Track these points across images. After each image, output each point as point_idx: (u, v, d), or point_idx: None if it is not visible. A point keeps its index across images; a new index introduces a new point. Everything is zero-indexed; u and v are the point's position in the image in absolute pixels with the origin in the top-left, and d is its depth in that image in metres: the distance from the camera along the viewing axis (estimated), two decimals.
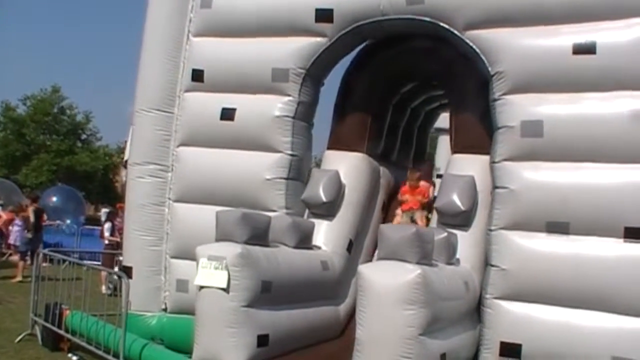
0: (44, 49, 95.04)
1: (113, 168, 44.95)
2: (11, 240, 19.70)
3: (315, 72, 9.31)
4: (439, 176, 14.90)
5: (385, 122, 10.27)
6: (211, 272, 6.80)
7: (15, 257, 18.37)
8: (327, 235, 8.87)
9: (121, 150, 42.32)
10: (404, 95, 10.62)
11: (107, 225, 17.31)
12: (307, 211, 9.20)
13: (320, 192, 8.95)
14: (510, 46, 7.90)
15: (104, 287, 14.30)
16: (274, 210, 8.83)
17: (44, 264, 11.00)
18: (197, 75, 9.61)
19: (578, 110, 7.57)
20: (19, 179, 35.89)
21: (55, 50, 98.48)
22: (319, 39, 9.10)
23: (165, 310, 9.56)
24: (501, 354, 7.54)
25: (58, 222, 23.74)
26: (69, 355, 9.52)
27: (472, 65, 8.43)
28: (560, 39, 7.68)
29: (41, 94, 42.40)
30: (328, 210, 8.99)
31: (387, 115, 10.30)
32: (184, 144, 9.62)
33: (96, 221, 27.72)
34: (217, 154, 9.37)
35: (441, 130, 17.37)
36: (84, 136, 44.00)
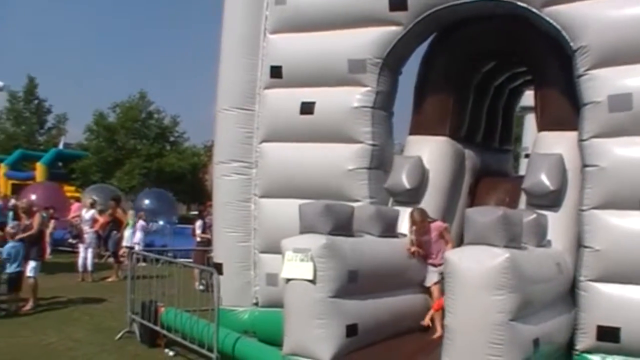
0: (129, 56, 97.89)
1: (202, 167, 45.82)
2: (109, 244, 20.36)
3: (392, 61, 9.24)
4: (527, 156, 14.62)
5: (468, 103, 10.06)
6: (297, 264, 6.86)
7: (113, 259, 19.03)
8: None
9: (208, 149, 43.11)
10: (485, 74, 10.37)
11: (199, 223, 17.70)
12: (391, 199, 9.16)
13: (403, 179, 8.90)
14: (592, 19, 7.60)
15: (197, 284, 14.66)
16: (358, 200, 8.84)
17: (141, 264, 11.37)
18: (276, 72, 9.70)
19: None
20: (113, 183, 37.02)
21: (140, 56, 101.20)
22: (394, 28, 9.03)
23: (256, 304, 9.71)
24: (599, 339, 7.31)
25: (151, 223, 24.33)
26: (166, 350, 9.80)
27: (554, 38, 8.18)
28: None
29: (129, 100, 43.63)
30: (412, 197, 8.92)
31: (469, 95, 10.08)
32: (266, 140, 9.74)
33: (188, 220, 28.35)
34: (299, 148, 9.45)
35: (527, 109, 16.96)
36: (172, 138, 44.99)
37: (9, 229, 13.45)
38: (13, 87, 48.29)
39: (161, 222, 25.92)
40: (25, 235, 12.91)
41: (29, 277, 13.02)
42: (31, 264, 13.05)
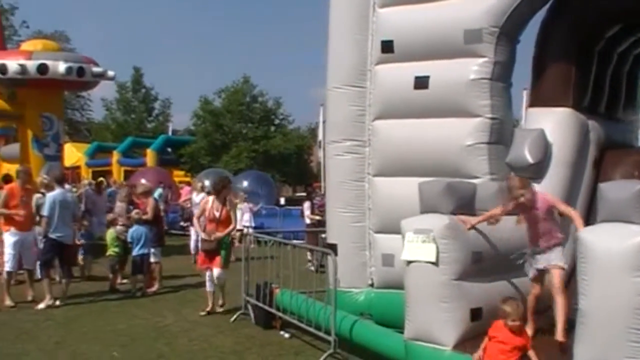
0: (232, 42, 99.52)
1: (307, 149, 46.12)
2: None
3: (509, 29, 8.78)
4: None
5: (591, 71, 9.43)
6: (418, 246, 6.60)
7: None
8: None
9: (312, 131, 43.30)
10: (608, 39, 9.70)
11: (307, 204, 17.72)
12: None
13: (525, 153, 8.46)
14: None
15: (308, 264, 14.65)
16: (478, 177, 8.47)
17: (253, 246, 11.40)
18: (387, 47, 9.42)
19: None
20: (221, 166, 37.68)
21: (241, 41, 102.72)
22: None
23: (372, 285, 9.53)
24: None
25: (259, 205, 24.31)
26: (281, 332, 9.77)
27: None
28: None
29: (234, 85, 44.35)
30: (535, 172, 8.44)
31: (592, 63, 9.46)
32: (379, 117, 9.50)
33: (294, 202, 28.36)
34: (414, 124, 9.15)
35: None
36: (276, 121, 45.45)
37: (133, 214, 13.74)
38: (120, 78, 50.21)
39: (260, 205, 25.33)
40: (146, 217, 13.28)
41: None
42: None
